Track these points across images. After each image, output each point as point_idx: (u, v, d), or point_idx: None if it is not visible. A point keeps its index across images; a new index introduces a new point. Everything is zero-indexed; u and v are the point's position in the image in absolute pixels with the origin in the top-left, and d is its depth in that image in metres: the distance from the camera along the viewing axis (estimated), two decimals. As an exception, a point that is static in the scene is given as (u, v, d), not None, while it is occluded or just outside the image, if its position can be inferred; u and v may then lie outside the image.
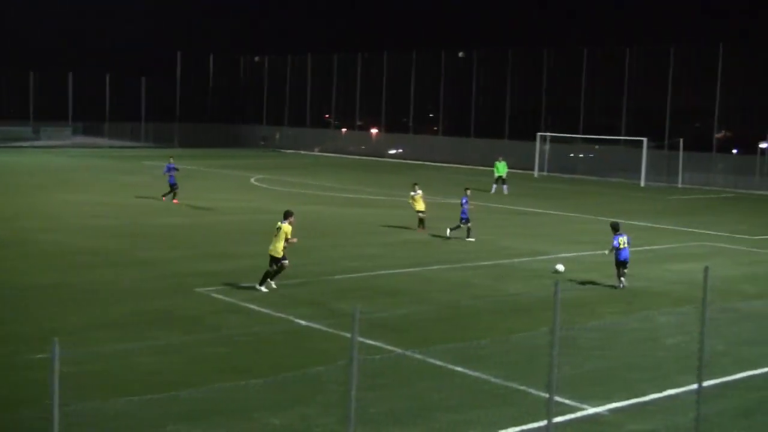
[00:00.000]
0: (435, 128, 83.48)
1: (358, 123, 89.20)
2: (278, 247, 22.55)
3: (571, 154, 70.74)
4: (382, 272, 26.37)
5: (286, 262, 22.73)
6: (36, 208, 39.49)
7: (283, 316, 20.53)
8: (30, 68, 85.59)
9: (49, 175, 56.66)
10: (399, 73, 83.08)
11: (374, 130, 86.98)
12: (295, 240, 22.68)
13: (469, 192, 34.39)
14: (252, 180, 54.44)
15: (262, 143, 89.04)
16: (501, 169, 52.82)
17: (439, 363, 16.82)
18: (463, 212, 33.22)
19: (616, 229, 24.98)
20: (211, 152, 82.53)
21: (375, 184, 54.97)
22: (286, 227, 22.59)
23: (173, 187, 42.49)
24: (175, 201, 41.99)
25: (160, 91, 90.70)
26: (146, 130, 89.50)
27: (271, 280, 22.90)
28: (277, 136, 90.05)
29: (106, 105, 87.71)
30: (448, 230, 32.99)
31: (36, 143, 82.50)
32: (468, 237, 32.99)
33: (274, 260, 22.72)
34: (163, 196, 42.56)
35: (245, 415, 13.85)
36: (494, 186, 52.65)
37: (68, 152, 77.66)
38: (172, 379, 15.78)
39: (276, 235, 22.68)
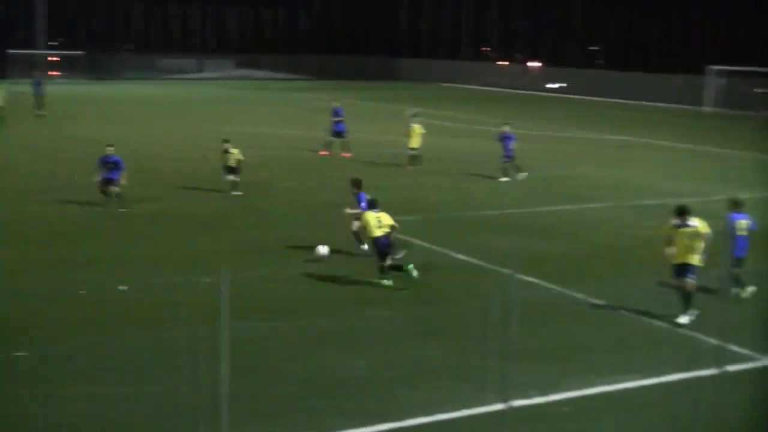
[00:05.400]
0: (599, 62, 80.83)
1: (518, 56, 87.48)
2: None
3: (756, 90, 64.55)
4: (538, 210, 25.85)
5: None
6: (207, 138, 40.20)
7: (440, 250, 20.30)
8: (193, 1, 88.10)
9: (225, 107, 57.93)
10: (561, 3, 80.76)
11: (534, 64, 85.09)
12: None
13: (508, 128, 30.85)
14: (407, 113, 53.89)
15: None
16: None
17: (597, 302, 16.30)
18: (507, 150, 30.34)
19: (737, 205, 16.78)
20: (369, 84, 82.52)
21: (526, 118, 53.82)
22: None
23: (341, 134, 35.77)
24: (345, 155, 35.00)
25: (320, 23, 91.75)
26: (305, 62, 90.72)
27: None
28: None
29: (265, 38, 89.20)
30: None
31: (200, 75, 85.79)
32: (504, 176, 30.45)
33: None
34: (324, 150, 35.57)
35: (396, 344, 14.05)
36: None
37: (229, 84, 79.60)
38: (311, 305, 16.06)
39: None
